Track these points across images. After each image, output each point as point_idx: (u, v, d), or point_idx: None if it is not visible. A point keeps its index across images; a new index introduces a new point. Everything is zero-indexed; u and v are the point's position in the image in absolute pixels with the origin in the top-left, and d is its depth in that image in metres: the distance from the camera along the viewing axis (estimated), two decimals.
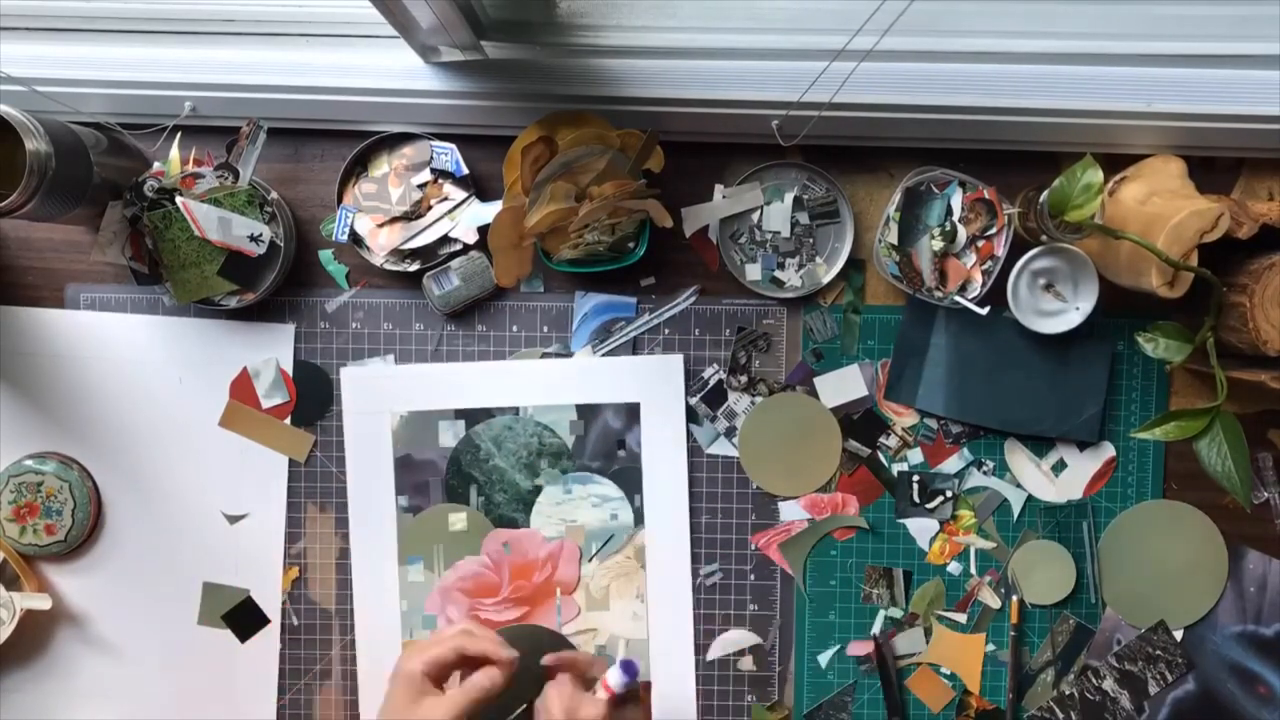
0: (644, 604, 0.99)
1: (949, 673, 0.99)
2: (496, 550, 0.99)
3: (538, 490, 0.98)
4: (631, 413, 0.98)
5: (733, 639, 0.99)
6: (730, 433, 0.98)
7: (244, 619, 0.99)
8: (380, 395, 0.98)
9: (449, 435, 0.98)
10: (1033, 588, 0.98)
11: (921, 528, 0.99)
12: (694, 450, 0.98)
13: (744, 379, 0.98)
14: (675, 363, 0.97)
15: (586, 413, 0.98)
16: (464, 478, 0.98)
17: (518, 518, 0.99)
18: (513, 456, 0.98)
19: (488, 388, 0.98)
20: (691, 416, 0.98)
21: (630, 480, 0.98)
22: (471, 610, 0.98)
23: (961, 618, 0.99)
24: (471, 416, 0.98)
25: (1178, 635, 0.99)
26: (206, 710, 0.99)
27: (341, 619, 1.00)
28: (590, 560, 0.98)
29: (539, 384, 0.98)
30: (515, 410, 0.98)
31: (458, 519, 0.99)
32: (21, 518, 0.97)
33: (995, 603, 0.99)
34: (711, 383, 0.98)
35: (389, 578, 0.99)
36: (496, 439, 0.98)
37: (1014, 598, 0.98)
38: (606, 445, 0.98)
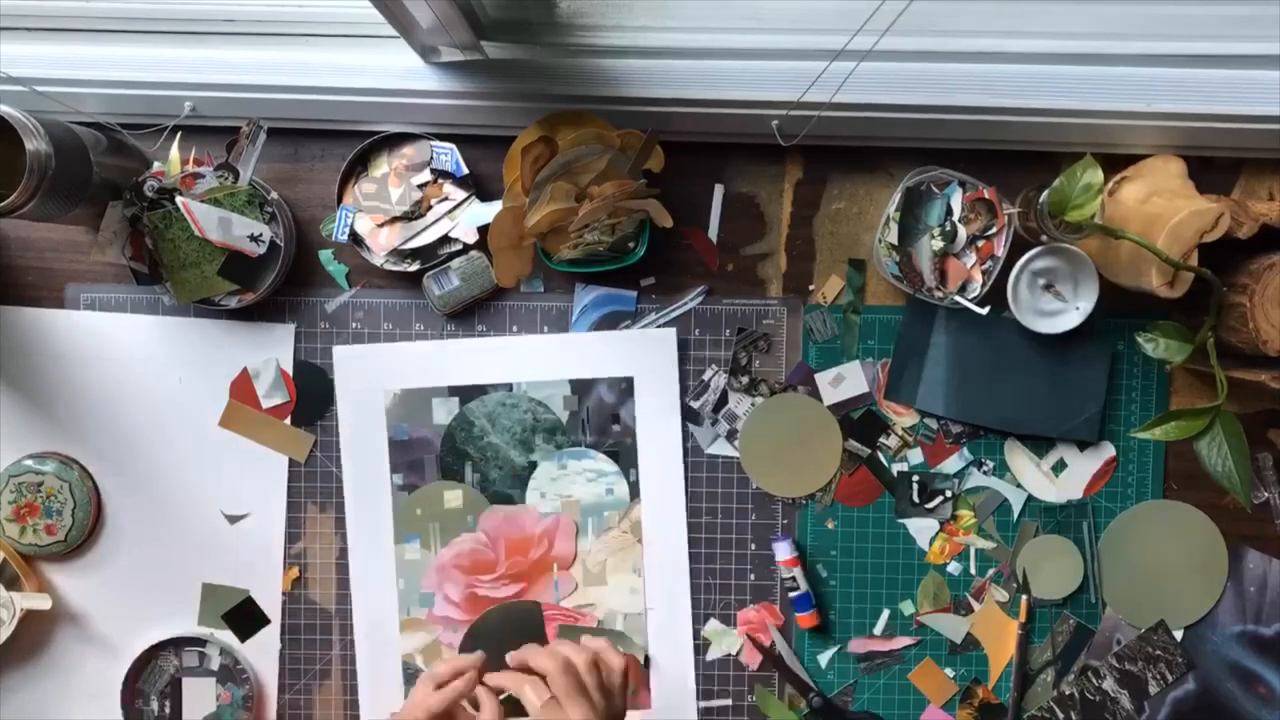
0: (641, 578, 0.99)
1: (950, 673, 0.99)
2: (493, 527, 0.99)
3: (533, 466, 0.98)
4: (625, 387, 0.98)
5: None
6: (731, 435, 0.98)
7: (244, 619, 0.99)
8: (373, 373, 0.98)
9: (443, 412, 0.98)
10: (1042, 582, 0.98)
11: (921, 528, 0.99)
12: (694, 451, 0.98)
13: (744, 380, 0.98)
14: (668, 336, 0.97)
15: (580, 388, 0.98)
16: (459, 455, 0.98)
17: (513, 494, 0.99)
18: (507, 433, 0.98)
19: (481, 364, 0.98)
20: (692, 417, 0.98)
21: (625, 454, 0.98)
22: (469, 587, 0.98)
23: None
24: (465, 393, 0.98)
25: (1178, 635, 0.99)
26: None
27: (341, 619, 0.99)
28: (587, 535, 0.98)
29: (533, 360, 0.98)
30: (509, 386, 0.98)
31: (453, 496, 0.98)
32: (21, 518, 0.97)
33: (1003, 600, 0.99)
34: (712, 385, 0.98)
35: (385, 556, 0.99)
36: (491, 415, 0.98)
37: (1024, 597, 0.98)
38: (601, 420, 0.98)
